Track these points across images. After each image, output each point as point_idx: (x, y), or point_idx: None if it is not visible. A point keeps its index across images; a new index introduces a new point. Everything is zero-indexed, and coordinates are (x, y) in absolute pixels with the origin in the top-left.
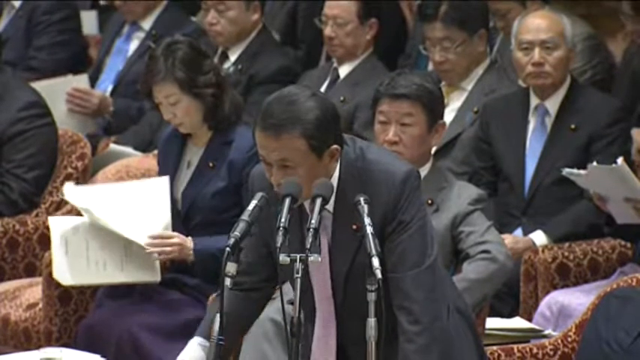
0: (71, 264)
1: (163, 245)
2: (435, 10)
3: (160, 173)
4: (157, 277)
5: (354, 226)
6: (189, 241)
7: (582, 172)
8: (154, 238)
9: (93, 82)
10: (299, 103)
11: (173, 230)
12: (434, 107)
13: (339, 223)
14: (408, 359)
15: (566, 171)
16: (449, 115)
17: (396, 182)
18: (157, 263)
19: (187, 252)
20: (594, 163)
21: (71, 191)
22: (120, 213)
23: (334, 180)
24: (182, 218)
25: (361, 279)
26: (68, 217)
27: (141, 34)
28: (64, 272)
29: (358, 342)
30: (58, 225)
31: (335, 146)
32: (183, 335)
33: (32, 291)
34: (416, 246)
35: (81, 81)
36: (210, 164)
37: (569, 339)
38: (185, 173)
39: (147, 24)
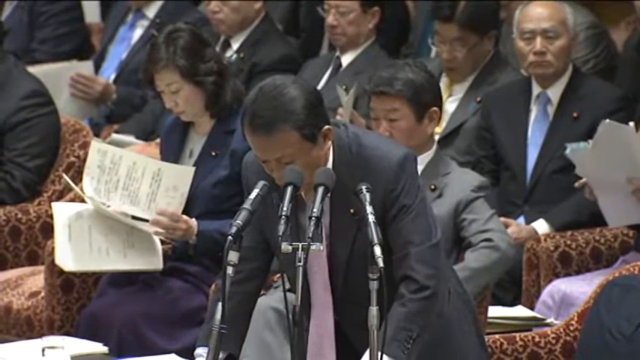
0: (74, 250)
1: (169, 227)
2: (451, 10)
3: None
4: (159, 265)
5: (352, 210)
6: (194, 226)
7: (589, 142)
8: (163, 214)
9: (96, 70)
10: (282, 95)
11: None
12: (419, 98)
13: (336, 209)
14: (391, 318)
15: (570, 148)
16: (452, 104)
17: (393, 167)
18: (160, 251)
19: (190, 233)
20: (607, 120)
21: (97, 146)
22: (132, 188)
23: (328, 165)
24: (184, 207)
25: (361, 265)
26: (71, 203)
27: (145, 22)
28: (67, 258)
29: (359, 327)
30: (62, 210)
31: (326, 127)
32: (184, 324)
33: (34, 279)
34: (421, 227)
35: (85, 67)
36: (213, 153)
37: (572, 327)
38: (187, 162)
39: (151, 12)
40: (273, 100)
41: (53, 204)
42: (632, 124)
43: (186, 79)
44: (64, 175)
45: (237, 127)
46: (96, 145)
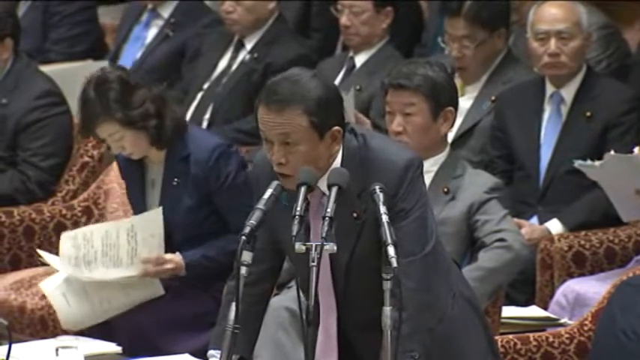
0: (77, 313)
1: (158, 272)
2: (458, 5)
3: (128, 193)
4: (160, 291)
5: (355, 213)
6: (181, 260)
7: (597, 163)
8: (148, 262)
9: None
10: (303, 82)
11: None
12: (437, 95)
13: (339, 210)
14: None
15: (578, 163)
16: (466, 103)
17: (396, 170)
18: (157, 279)
19: (178, 269)
20: (612, 152)
21: (64, 237)
22: (111, 253)
23: (336, 166)
24: (165, 235)
25: (362, 266)
26: (56, 274)
27: (159, 22)
28: (73, 321)
29: (361, 328)
30: (51, 284)
31: (337, 128)
32: (194, 328)
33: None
34: (413, 234)
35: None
36: (174, 182)
37: (585, 327)
38: (153, 193)
39: (166, 12)
40: (293, 83)
41: (40, 284)
42: (637, 149)
43: (127, 127)
44: (40, 251)
45: (191, 151)
46: (63, 237)
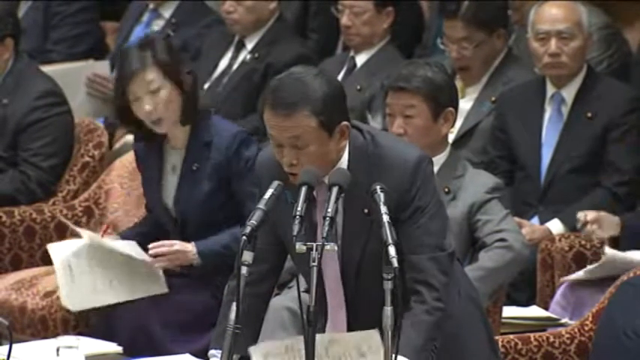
0: (79, 290)
1: (166, 252)
2: (456, 7)
3: (144, 182)
4: (164, 289)
5: (365, 210)
6: (190, 246)
7: (579, 274)
8: (156, 247)
9: (111, 69)
10: (307, 81)
11: (171, 235)
12: (437, 96)
13: (349, 208)
14: (420, 325)
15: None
16: (467, 104)
17: (408, 168)
18: (162, 275)
19: (190, 256)
20: (588, 267)
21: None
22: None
23: (343, 163)
24: (179, 223)
25: (373, 265)
26: (67, 241)
27: (160, 22)
28: (73, 298)
29: (370, 327)
30: (59, 251)
31: (344, 123)
32: (195, 328)
33: (49, 279)
34: (436, 230)
35: (102, 67)
36: (194, 167)
37: (586, 327)
38: (171, 178)
39: (167, 12)
40: (298, 83)
41: (49, 246)
42: (606, 248)
43: (168, 76)
44: (63, 219)
45: (214, 138)
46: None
